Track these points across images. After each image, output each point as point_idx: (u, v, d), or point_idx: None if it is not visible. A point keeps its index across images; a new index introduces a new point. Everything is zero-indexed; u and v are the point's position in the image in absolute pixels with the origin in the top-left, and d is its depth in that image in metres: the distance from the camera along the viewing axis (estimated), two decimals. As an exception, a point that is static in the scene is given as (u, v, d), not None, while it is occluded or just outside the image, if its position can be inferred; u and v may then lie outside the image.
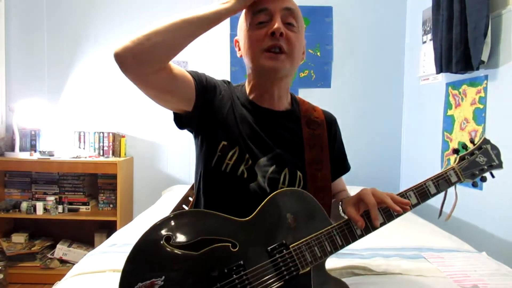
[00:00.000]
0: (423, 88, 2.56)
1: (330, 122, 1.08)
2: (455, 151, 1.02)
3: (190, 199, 1.09)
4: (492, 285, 1.12)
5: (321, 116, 1.07)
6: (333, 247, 0.85)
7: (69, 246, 2.63)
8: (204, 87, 0.94)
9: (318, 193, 0.91)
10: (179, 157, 2.82)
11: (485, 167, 1.00)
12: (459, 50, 1.85)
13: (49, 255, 2.63)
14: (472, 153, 1.00)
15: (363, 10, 2.83)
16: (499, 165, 1.02)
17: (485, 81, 1.86)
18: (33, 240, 2.67)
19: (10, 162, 2.55)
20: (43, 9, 2.76)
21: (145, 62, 0.80)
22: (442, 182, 0.94)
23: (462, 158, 1.00)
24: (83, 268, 1.24)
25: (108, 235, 2.31)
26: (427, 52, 2.41)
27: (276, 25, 0.89)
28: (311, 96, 2.80)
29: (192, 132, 1.01)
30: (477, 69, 1.81)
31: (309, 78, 2.83)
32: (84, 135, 2.74)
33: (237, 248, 0.78)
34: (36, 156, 2.61)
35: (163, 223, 0.77)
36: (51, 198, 2.63)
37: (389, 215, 0.88)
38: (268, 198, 0.85)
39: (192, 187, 1.10)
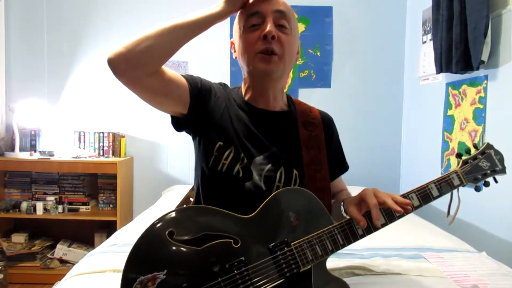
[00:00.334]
0: (423, 88, 2.56)
1: (326, 123, 1.09)
2: (458, 155, 1.02)
3: (191, 199, 1.10)
4: (492, 285, 1.12)
5: (317, 116, 1.08)
6: (335, 246, 0.86)
7: (69, 246, 2.63)
8: (199, 89, 0.96)
9: (318, 193, 0.92)
10: (179, 157, 2.82)
11: (488, 172, 1.00)
12: (459, 50, 1.85)
13: (49, 255, 2.63)
14: (475, 158, 1.01)
15: (363, 10, 2.83)
16: (502, 170, 1.02)
17: (485, 81, 1.86)
18: (33, 240, 2.67)
19: (10, 162, 2.55)
20: (43, 9, 2.76)
21: (137, 66, 0.82)
22: (444, 185, 0.95)
23: (465, 162, 1.00)
24: (83, 268, 1.24)
25: (108, 235, 2.31)
26: (427, 52, 2.41)
27: (268, 28, 0.91)
28: (311, 96, 2.83)
29: (190, 134, 1.03)
30: (477, 69, 1.81)
31: (309, 78, 2.83)
32: (84, 135, 2.74)
33: (239, 244, 0.79)
34: (36, 156, 2.61)
35: (167, 218, 0.78)
36: (51, 198, 2.63)
37: (390, 215, 0.89)
38: (271, 196, 0.86)
39: (192, 188, 1.11)
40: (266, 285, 0.77)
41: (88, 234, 2.72)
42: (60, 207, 2.62)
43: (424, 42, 2.50)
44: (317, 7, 2.80)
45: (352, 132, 2.81)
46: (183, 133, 1.04)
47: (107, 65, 0.82)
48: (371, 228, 0.87)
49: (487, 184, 1.01)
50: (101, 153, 2.73)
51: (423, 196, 0.92)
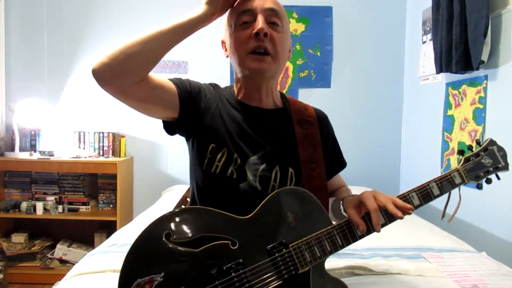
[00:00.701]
0: (423, 88, 2.56)
1: (322, 121, 1.08)
2: (460, 152, 1.00)
3: (189, 199, 1.09)
4: (492, 285, 1.12)
5: (312, 114, 1.06)
6: (333, 247, 0.85)
7: (69, 246, 2.63)
8: (188, 92, 0.95)
9: (315, 192, 0.91)
10: (179, 157, 2.82)
11: (491, 169, 0.98)
12: (459, 50, 1.85)
13: (49, 255, 2.63)
14: (477, 155, 0.99)
15: (363, 10, 2.83)
16: (505, 167, 1.00)
17: (485, 81, 1.86)
18: (33, 240, 2.67)
19: (10, 162, 2.55)
20: (43, 9, 2.76)
21: (122, 75, 0.81)
22: (445, 183, 0.94)
23: (467, 160, 0.98)
24: (83, 268, 1.24)
25: (108, 235, 2.31)
26: (427, 52, 2.41)
27: (259, 26, 0.89)
28: (311, 96, 2.83)
29: (183, 136, 1.01)
30: (477, 69, 1.81)
31: (309, 78, 2.83)
32: (84, 135, 2.74)
33: (236, 246, 0.78)
34: (36, 156, 2.61)
35: (164, 219, 0.77)
36: (51, 198, 2.63)
37: (390, 216, 0.88)
38: (269, 196, 0.85)
39: (189, 189, 1.10)
40: None
41: (88, 234, 2.72)
42: (60, 207, 2.62)
43: (424, 42, 2.50)
44: (317, 7, 2.80)
45: (352, 132, 2.81)
46: (183, 133, 1.04)
47: (92, 76, 0.80)
48: (370, 229, 0.86)
49: (489, 181, 0.99)
50: (101, 153, 2.73)
51: (424, 195, 0.91)
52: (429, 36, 2.39)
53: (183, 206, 1.11)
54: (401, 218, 0.84)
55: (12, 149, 2.66)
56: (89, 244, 2.69)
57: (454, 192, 0.98)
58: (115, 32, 2.77)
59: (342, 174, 1.17)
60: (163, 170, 2.87)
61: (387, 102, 2.87)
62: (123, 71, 0.81)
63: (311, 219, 0.86)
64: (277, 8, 0.94)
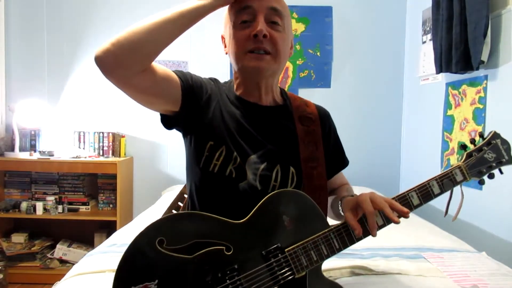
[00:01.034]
0: (423, 88, 2.56)
1: (323, 118, 1.05)
2: (463, 147, 0.96)
3: (185, 196, 1.07)
4: (492, 285, 1.12)
5: (314, 111, 1.04)
6: (330, 251, 0.83)
7: (69, 246, 2.63)
8: (190, 86, 0.91)
9: (314, 191, 0.89)
10: (179, 157, 2.82)
11: (494, 164, 0.94)
12: (459, 50, 1.85)
13: (49, 255, 2.63)
14: (480, 149, 0.95)
15: (363, 10, 2.83)
16: (509, 161, 0.95)
17: (485, 81, 1.86)
18: (33, 240, 2.67)
19: (10, 162, 2.54)
20: (43, 9, 2.76)
21: (126, 64, 0.77)
22: (446, 181, 0.90)
23: (469, 155, 0.94)
24: (83, 268, 1.24)
25: (108, 235, 2.31)
26: (427, 52, 2.41)
27: (258, 27, 0.87)
28: (311, 96, 2.80)
29: (180, 131, 0.98)
30: (477, 69, 1.81)
31: (309, 78, 2.83)
32: (84, 135, 2.74)
33: (231, 252, 0.76)
34: (36, 156, 2.61)
35: (156, 225, 0.75)
36: (51, 198, 2.63)
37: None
38: (264, 199, 0.82)
39: (185, 186, 1.07)
40: None
41: (88, 234, 2.72)
42: (60, 207, 2.62)
43: (424, 42, 2.50)
44: (317, 7, 2.80)
45: (352, 132, 2.81)
46: (183, 133, 1.02)
47: (95, 64, 0.77)
48: (368, 231, 0.83)
49: (491, 176, 0.96)
50: (101, 153, 2.73)
51: (424, 194, 0.88)
52: (429, 36, 2.39)
53: (179, 203, 1.10)
54: (397, 223, 0.80)
55: (12, 149, 2.66)
56: (89, 244, 2.69)
57: (456, 188, 0.95)
58: (115, 32, 2.69)
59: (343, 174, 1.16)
60: (163, 170, 2.87)
61: (387, 102, 2.87)
62: (127, 59, 0.77)
63: (307, 222, 0.84)
64: (279, 7, 0.91)
